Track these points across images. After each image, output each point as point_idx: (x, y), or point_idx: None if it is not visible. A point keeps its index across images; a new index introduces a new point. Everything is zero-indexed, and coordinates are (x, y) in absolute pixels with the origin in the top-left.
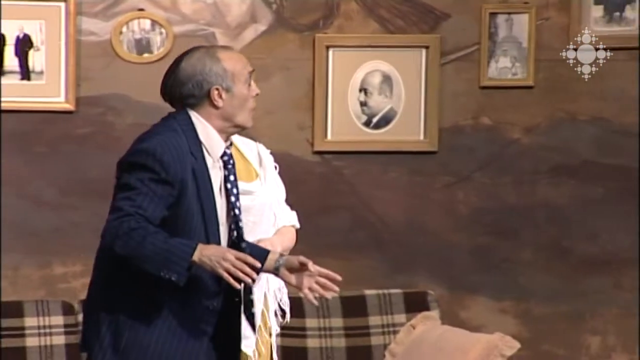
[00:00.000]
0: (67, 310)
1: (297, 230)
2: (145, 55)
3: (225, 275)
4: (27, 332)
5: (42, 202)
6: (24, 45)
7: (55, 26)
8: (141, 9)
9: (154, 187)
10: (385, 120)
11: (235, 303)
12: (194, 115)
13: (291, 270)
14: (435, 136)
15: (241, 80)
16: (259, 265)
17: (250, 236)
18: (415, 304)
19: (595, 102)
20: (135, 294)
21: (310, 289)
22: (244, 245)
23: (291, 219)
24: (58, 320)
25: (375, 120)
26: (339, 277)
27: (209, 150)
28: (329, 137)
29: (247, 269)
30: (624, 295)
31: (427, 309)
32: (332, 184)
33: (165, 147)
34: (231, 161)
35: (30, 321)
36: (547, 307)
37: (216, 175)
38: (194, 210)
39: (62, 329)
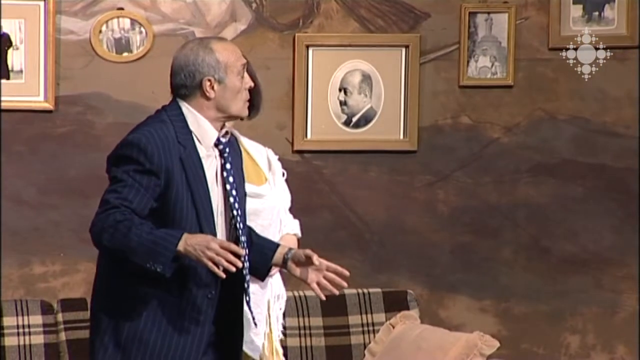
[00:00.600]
0: (46, 309)
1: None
2: (125, 54)
3: (210, 264)
4: (5, 331)
5: (21, 202)
6: (3, 44)
7: (34, 25)
8: (121, 8)
9: (139, 178)
10: (365, 120)
11: (236, 293)
12: (185, 106)
13: (297, 263)
14: (415, 135)
15: (234, 71)
16: (243, 252)
17: None
18: (395, 303)
19: (574, 102)
20: (133, 288)
21: (319, 284)
22: (242, 238)
23: (295, 227)
24: (37, 319)
25: (355, 119)
26: (346, 273)
27: (200, 139)
28: (309, 136)
29: (232, 257)
30: (604, 294)
31: (407, 308)
32: (312, 184)
33: (149, 138)
34: (227, 150)
35: (8, 320)
36: (527, 306)
37: (211, 164)
38: (183, 199)
39: (41, 329)
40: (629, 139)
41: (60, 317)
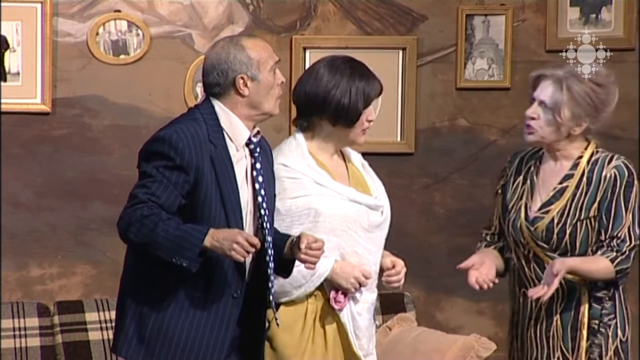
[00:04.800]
0: (43, 312)
1: None
2: (122, 56)
3: (240, 259)
4: (2, 334)
5: (18, 204)
6: (1, 46)
7: (31, 27)
8: (118, 11)
9: (168, 174)
10: None
11: (260, 294)
12: (218, 104)
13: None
14: (412, 138)
15: (267, 68)
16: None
17: (379, 252)
18: (392, 305)
19: None
20: (159, 284)
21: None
22: (268, 238)
23: None
24: (33, 322)
25: None
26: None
27: (231, 137)
28: None
29: (250, 248)
30: None
31: (404, 310)
32: None
33: (181, 134)
34: (257, 149)
35: (5, 323)
36: None
37: (241, 163)
38: (212, 197)
39: (38, 331)
40: (626, 141)
41: (56, 319)
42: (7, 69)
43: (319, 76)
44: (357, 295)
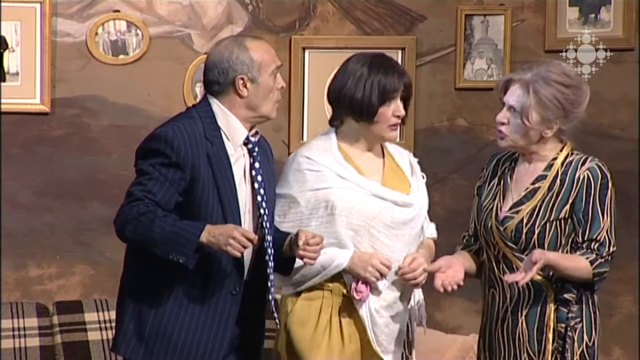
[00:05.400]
0: (42, 312)
1: None
2: (121, 56)
3: (237, 254)
4: (2, 334)
5: (17, 204)
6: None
7: (30, 27)
8: (117, 11)
9: (164, 171)
10: None
11: (259, 292)
12: (215, 103)
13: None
14: (412, 138)
15: (267, 71)
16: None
17: (406, 250)
18: None
19: None
20: (156, 282)
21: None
22: (268, 237)
23: (432, 230)
24: (32, 322)
25: None
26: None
27: (228, 136)
28: (305, 138)
29: (247, 243)
30: (600, 296)
31: None
32: None
33: (177, 132)
34: (256, 149)
35: (5, 323)
36: None
37: (239, 162)
38: (209, 195)
39: (37, 331)
40: (624, 142)
41: (55, 319)
42: (6, 69)
43: (342, 71)
44: (380, 285)
